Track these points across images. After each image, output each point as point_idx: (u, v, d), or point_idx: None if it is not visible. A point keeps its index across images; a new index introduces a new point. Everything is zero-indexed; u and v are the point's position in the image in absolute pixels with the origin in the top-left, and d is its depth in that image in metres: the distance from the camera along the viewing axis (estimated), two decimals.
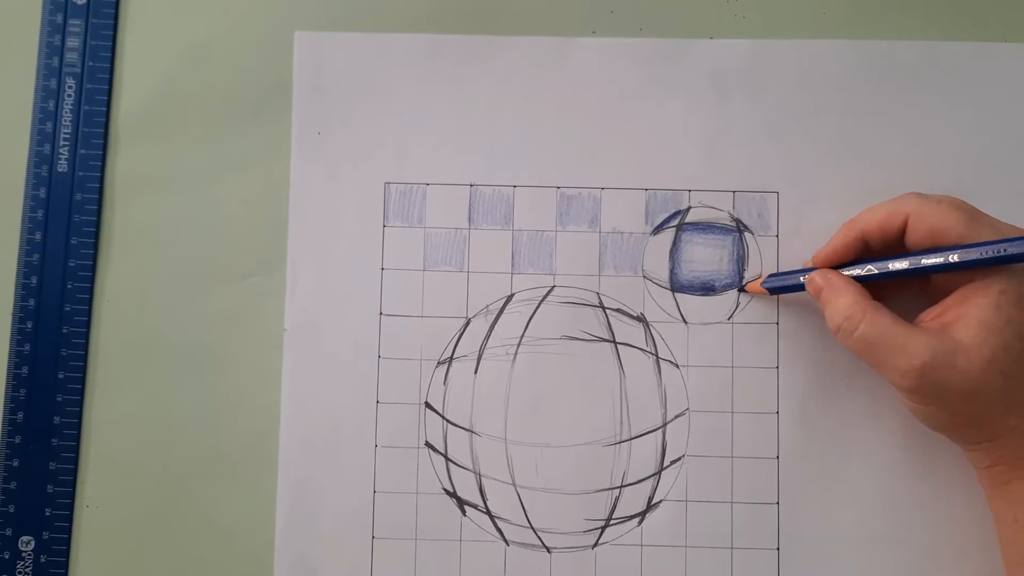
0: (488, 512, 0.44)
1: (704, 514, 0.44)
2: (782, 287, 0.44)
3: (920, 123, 0.46)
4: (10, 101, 0.47)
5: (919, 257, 0.39)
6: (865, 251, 0.42)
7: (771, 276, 0.44)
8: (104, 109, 0.47)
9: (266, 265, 0.46)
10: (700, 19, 0.47)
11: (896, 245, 0.41)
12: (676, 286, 0.45)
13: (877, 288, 0.41)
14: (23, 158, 0.47)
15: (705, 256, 0.45)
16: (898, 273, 0.40)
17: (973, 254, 0.38)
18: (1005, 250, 0.37)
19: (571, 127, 0.46)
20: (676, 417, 0.45)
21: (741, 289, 0.45)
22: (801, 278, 0.43)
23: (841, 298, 0.40)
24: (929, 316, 0.40)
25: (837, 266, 0.42)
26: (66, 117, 0.47)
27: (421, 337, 0.45)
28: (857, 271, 0.41)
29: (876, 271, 0.41)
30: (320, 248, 0.46)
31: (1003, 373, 0.37)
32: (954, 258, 0.38)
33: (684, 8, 0.47)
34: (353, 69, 0.47)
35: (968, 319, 0.37)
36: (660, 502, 0.44)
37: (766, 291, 0.44)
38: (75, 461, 0.45)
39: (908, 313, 0.40)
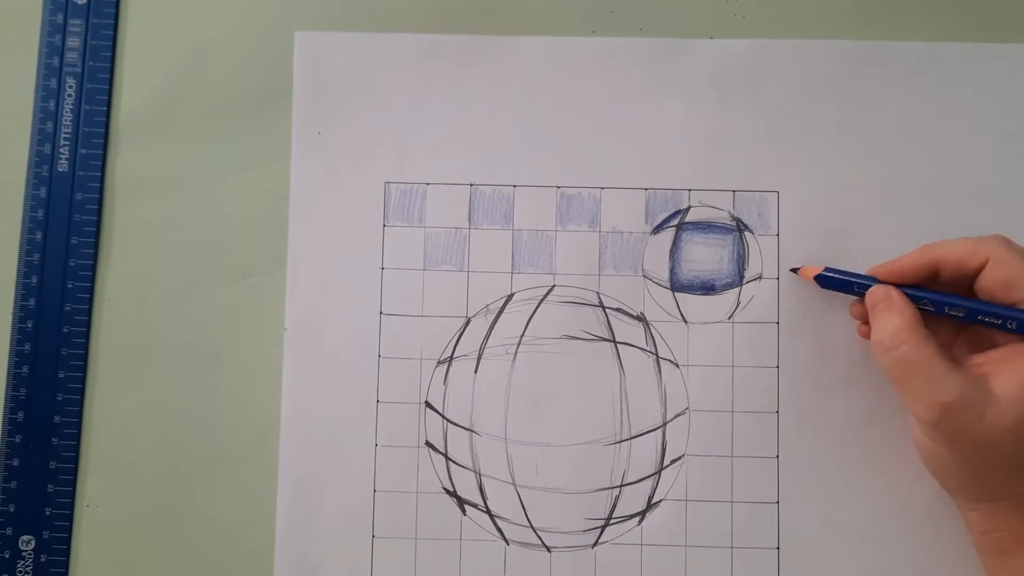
0: (488, 511, 0.44)
1: (704, 513, 0.44)
2: (837, 285, 0.43)
3: (920, 123, 0.46)
4: (10, 101, 0.47)
5: (978, 311, 0.39)
6: (933, 279, 0.41)
7: (828, 269, 0.43)
8: (104, 109, 0.47)
9: (266, 265, 0.46)
10: (700, 19, 0.47)
11: (967, 283, 0.40)
12: (676, 285, 0.45)
13: (930, 321, 0.40)
14: (23, 158, 0.47)
15: (705, 255, 0.45)
16: (953, 317, 0.40)
17: None
18: None
19: (571, 127, 0.46)
20: (676, 416, 0.45)
21: (794, 270, 0.44)
22: (856, 288, 0.42)
23: (896, 315, 0.39)
24: (973, 362, 0.39)
25: (901, 285, 0.41)
26: (66, 117, 0.47)
27: (421, 336, 0.45)
28: (917, 301, 0.40)
29: (932, 310, 0.40)
30: (320, 248, 0.46)
31: (1021, 440, 0.36)
32: (1012, 325, 0.38)
33: (684, 8, 0.47)
34: (353, 69, 0.47)
35: (1011, 376, 0.37)
36: (660, 501, 0.44)
37: (815, 282, 0.43)
38: (75, 460, 0.45)
39: (951, 354, 0.39)
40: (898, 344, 0.38)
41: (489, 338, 0.45)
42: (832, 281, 0.43)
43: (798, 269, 0.45)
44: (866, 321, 0.42)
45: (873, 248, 0.44)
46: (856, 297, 0.43)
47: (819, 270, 0.43)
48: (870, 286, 0.41)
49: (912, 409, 0.39)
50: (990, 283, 0.39)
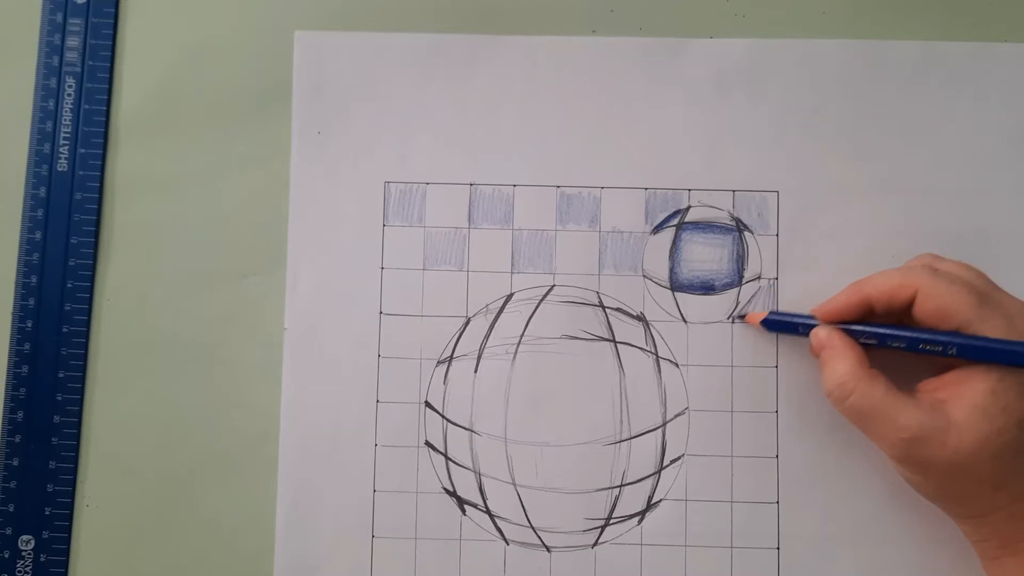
0: (488, 511, 0.44)
1: (704, 513, 0.44)
2: (782, 328, 0.44)
3: (920, 123, 0.46)
4: (10, 100, 0.47)
5: (918, 339, 0.39)
6: (870, 313, 0.41)
7: (773, 314, 0.44)
8: (104, 108, 0.47)
9: (266, 265, 0.46)
10: (700, 18, 0.47)
11: (903, 314, 0.40)
12: (676, 285, 0.45)
13: (877, 351, 0.40)
14: (23, 157, 0.47)
15: (705, 255, 0.45)
16: (896, 348, 0.40)
17: (972, 350, 0.38)
18: (1006, 353, 0.37)
19: (571, 126, 0.46)
20: (676, 416, 0.45)
21: (741, 317, 0.45)
22: (801, 328, 0.42)
23: (839, 363, 0.40)
24: (927, 387, 0.40)
25: (841, 322, 0.41)
26: (66, 116, 0.47)
27: (421, 336, 0.45)
28: (857, 336, 0.41)
29: (875, 342, 0.40)
30: (320, 248, 0.46)
31: (995, 456, 0.36)
32: (952, 351, 0.38)
33: (684, 7, 0.47)
34: (353, 69, 0.47)
35: (964, 400, 0.37)
36: (660, 501, 0.44)
37: (763, 327, 0.44)
38: (75, 460, 0.45)
39: (906, 376, 0.40)
40: (846, 395, 0.39)
41: (489, 338, 0.45)
42: (777, 324, 0.43)
43: (744, 316, 0.45)
44: None
45: (873, 248, 0.44)
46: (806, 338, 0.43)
47: (764, 315, 0.44)
48: (813, 326, 0.42)
49: (879, 447, 0.39)
50: (923, 315, 0.39)
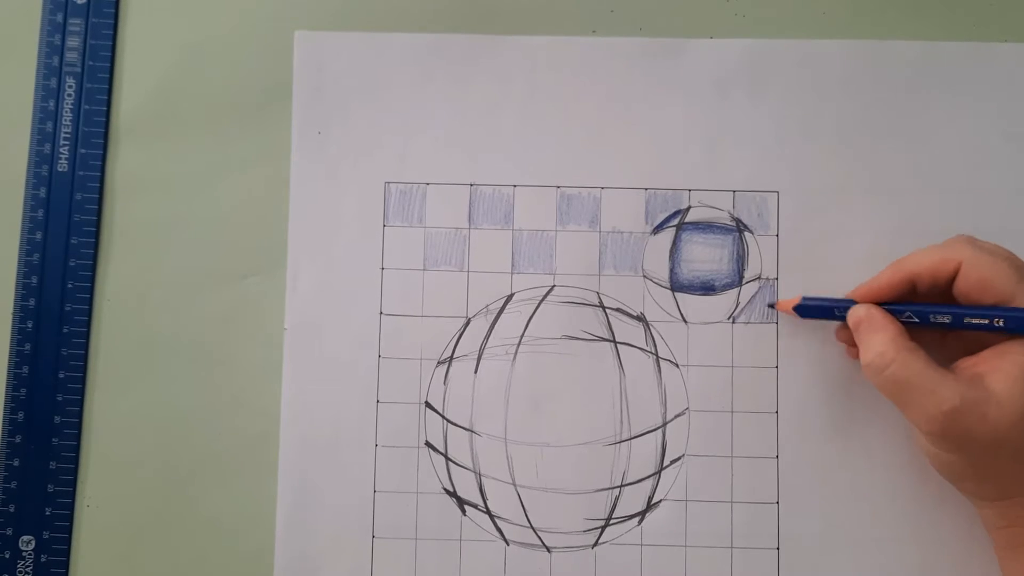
0: (488, 512, 0.44)
1: (704, 513, 0.44)
2: (817, 313, 0.43)
3: (920, 123, 0.46)
4: (10, 100, 0.47)
5: (963, 315, 0.39)
6: (911, 292, 0.41)
7: (806, 299, 0.43)
8: (104, 108, 0.47)
9: (266, 265, 0.46)
10: (700, 18, 0.47)
11: (945, 290, 0.40)
12: (676, 286, 0.45)
13: (916, 330, 0.40)
14: (23, 157, 0.47)
15: (705, 256, 0.45)
16: (939, 325, 0.40)
17: (1021, 323, 0.38)
18: None
19: (571, 126, 0.46)
20: (676, 417, 0.45)
21: (771, 306, 0.45)
22: (837, 312, 0.42)
23: (878, 335, 0.39)
24: (964, 365, 0.39)
25: (880, 303, 0.41)
26: (66, 116, 0.47)
27: (421, 337, 0.45)
28: (899, 314, 0.40)
29: (917, 320, 0.40)
30: (320, 248, 0.46)
31: None
32: (999, 323, 0.38)
33: (684, 7, 0.47)
34: (353, 69, 0.47)
35: (1004, 372, 0.37)
36: (660, 501, 0.44)
37: (796, 314, 0.43)
38: (75, 460, 0.45)
39: (939, 358, 0.39)
40: (886, 364, 0.38)
41: (489, 338, 0.45)
42: (812, 310, 0.43)
43: (775, 304, 0.45)
44: (853, 344, 0.42)
45: (873, 248, 0.44)
46: (839, 322, 0.43)
47: (797, 301, 0.43)
48: (849, 308, 0.41)
49: (915, 423, 0.38)
50: (967, 287, 0.39)
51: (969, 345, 0.40)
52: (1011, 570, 0.40)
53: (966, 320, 0.39)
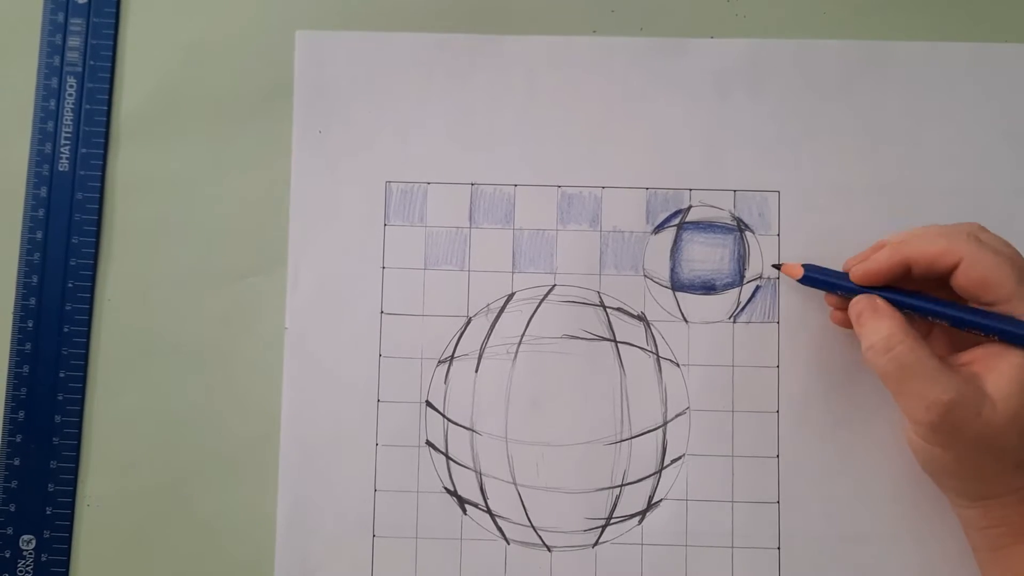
0: (489, 511, 0.44)
1: (704, 513, 0.44)
2: (820, 285, 0.43)
3: (920, 123, 0.46)
4: (11, 100, 0.47)
5: (962, 316, 0.39)
6: (905, 276, 0.41)
7: (810, 267, 0.43)
8: (105, 108, 0.47)
9: (266, 265, 0.46)
10: (700, 18, 0.47)
11: (942, 278, 0.40)
12: (677, 285, 0.45)
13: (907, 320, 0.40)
14: (24, 157, 0.47)
15: (706, 255, 0.45)
16: (938, 319, 0.40)
17: (1014, 337, 0.38)
18: None
19: (572, 126, 0.46)
20: (677, 416, 0.45)
21: (777, 266, 0.45)
22: (839, 290, 0.42)
23: (884, 320, 0.39)
24: (959, 361, 0.39)
25: (874, 285, 0.41)
26: (67, 116, 0.47)
27: (422, 336, 0.45)
28: (900, 307, 0.40)
29: (915, 313, 0.40)
30: (321, 247, 0.46)
31: (1021, 434, 0.37)
32: (995, 336, 0.38)
33: (685, 7, 0.47)
34: (354, 68, 0.47)
35: (1000, 374, 0.37)
36: (660, 501, 0.44)
37: (795, 277, 0.43)
38: (76, 460, 0.45)
39: (934, 347, 0.39)
40: (893, 345, 0.38)
41: (490, 337, 0.45)
42: (814, 281, 0.43)
43: (780, 266, 0.45)
44: (840, 308, 0.43)
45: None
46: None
47: (799, 268, 0.43)
48: (851, 287, 0.41)
49: (910, 411, 0.38)
50: (966, 282, 0.39)
51: (956, 340, 0.41)
52: (992, 573, 0.40)
53: (967, 328, 0.39)
